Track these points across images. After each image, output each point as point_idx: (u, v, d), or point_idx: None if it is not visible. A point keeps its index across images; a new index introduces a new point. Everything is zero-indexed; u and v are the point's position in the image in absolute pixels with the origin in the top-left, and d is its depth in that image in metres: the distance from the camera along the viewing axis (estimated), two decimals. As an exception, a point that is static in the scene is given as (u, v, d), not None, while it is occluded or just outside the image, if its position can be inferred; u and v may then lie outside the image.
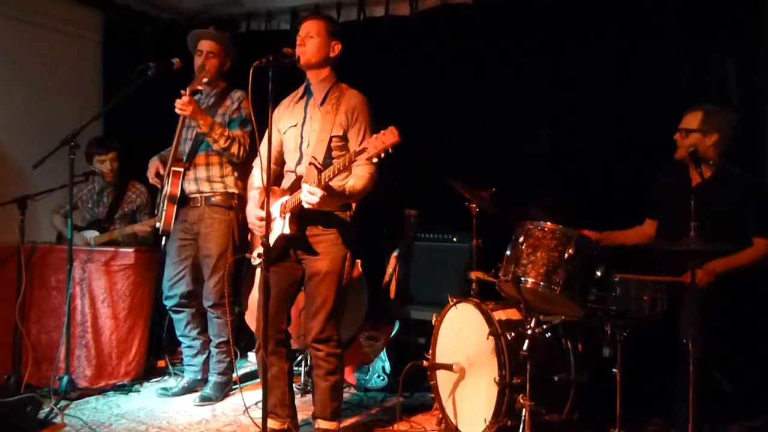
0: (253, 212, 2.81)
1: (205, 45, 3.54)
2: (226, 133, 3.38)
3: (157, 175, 3.66)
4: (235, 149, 3.41)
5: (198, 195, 3.56)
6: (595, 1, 3.83)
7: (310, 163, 2.58)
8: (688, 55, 3.62)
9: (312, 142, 2.73)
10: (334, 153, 2.70)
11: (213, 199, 3.55)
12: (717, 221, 2.75)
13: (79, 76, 4.94)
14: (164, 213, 3.54)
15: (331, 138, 2.70)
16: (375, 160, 2.36)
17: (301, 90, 2.89)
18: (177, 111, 3.31)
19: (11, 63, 4.49)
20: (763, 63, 3.46)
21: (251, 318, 3.73)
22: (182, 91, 3.35)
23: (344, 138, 2.72)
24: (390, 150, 2.32)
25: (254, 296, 3.64)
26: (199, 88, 3.48)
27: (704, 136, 2.96)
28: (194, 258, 3.62)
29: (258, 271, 3.25)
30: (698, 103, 3.06)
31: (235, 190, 3.56)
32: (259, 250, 2.73)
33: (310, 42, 2.74)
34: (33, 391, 3.39)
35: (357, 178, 2.66)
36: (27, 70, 4.58)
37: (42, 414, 3.19)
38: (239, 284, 3.86)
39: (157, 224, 3.63)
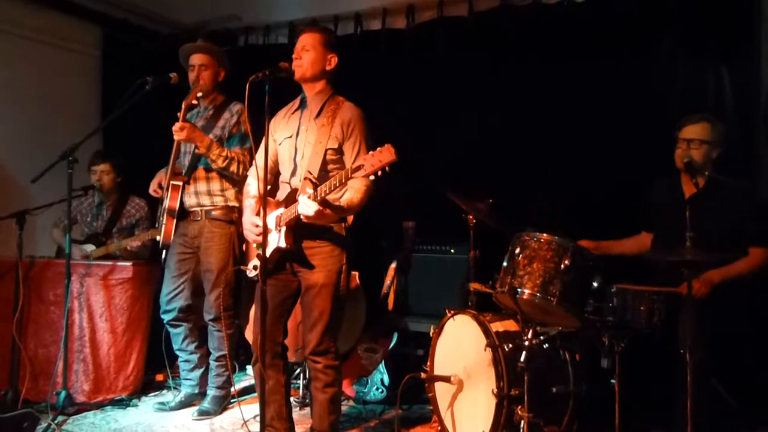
0: (250, 219, 2.82)
1: (195, 59, 3.55)
2: (224, 153, 3.39)
3: (159, 186, 3.67)
4: (234, 168, 3.41)
5: (198, 208, 3.56)
6: (591, 15, 3.86)
7: (305, 178, 2.59)
8: (684, 68, 3.65)
9: (307, 154, 2.74)
10: (329, 166, 2.70)
11: (213, 212, 3.55)
12: (713, 231, 2.75)
13: (78, 91, 4.96)
14: (163, 227, 3.54)
15: (326, 150, 2.70)
16: (372, 177, 2.36)
17: (296, 102, 2.90)
18: (174, 136, 3.34)
19: (10, 78, 4.51)
20: (755, 76, 3.49)
21: (250, 332, 3.72)
22: (178, 113, 3.36)
23: (339, 151, 2.73)
24: (387, 169, 2.32)
25: (253, 311, 3.64)
26: (194, 102, 3.49)
27: (712, 148, 2.98)
28: (194, 272, 3.62)
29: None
30: (694, 113, 3.07)
31: (236, 204, 3.56)
32: (255, 262, 2.73)
33: (305, 55, 2.75)
34: (30, 406, 3.39)
35: (354, 191, 2.66)
36: (26, 84, 4.60)
37: (39, 430, 3.17)
38: (239, 298, 3.86)
39: (157, 238, 3.63)
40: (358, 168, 2.37)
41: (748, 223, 2.91)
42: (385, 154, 2.31)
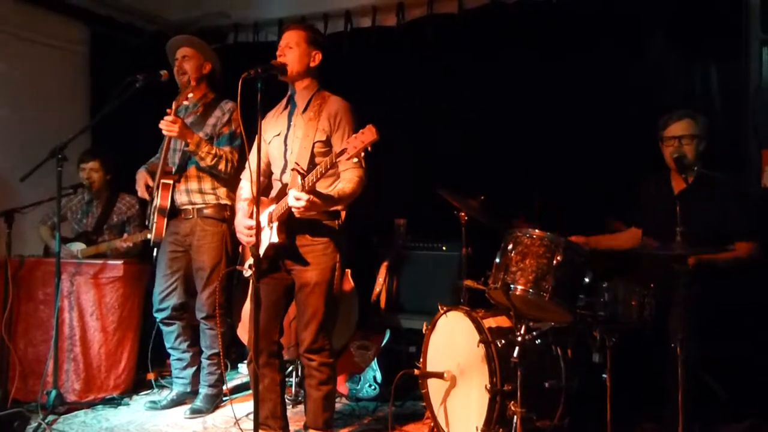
0: (242, 222, 2.82)
1: (179, 52, 3.53)
2: (213, 151, 3.37)
3: (147, 187, 3.64)
4: (222, 166, 3.39)
5: (190, 207, 3.54)
6: (580, 12, 3.88)
7: (293, 169, 2.59)
8: (672, 64, 3.68)
9: (295, 149, 2.75)
10: (318, 159, 2.69)
11: (205, 211, 3.53)
12: (702, 226, 2.78)
13: (66, 88, 4.92)
14: (155, 225, 3.52)
15: (314, 144, 2.71)
16: (355, 160, 2.37)
17: (285, 100, 2.90)
18: (164, 132, 3.30)
19: (-2, 76, 4.48)
20: (743, 71, 3.52)
21: (243, 331, 3.71)
22: (168, 110, 3.33)
23: (327, 143, 2.73)
24: (369, 148, 2.33)
25: (246, 310, 3.62)
26: (185, 103, 3.46)
27: (700, 141, 3.01)
28: (185, 270, 3.60)
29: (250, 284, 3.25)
30: (674, 110, 3.10)
31: (228, 202, 3.54)
32: (251, 261, 2.73)
33: (289, 52, 2.75)
34: (20, 406, 3.37)
35: (345, 181, 2.67)
36: (14, 82, 4.55)
37: (29, 429, 3.16)
38: (231, 296, 3.85)
39: (149, 236, 3.61)
40: (342, 152, 2.38)
41: (734, 217, 2.94)
42: (367, 134, 2.32)
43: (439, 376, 2.97)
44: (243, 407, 3.59)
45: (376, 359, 3.79)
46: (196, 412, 3.52)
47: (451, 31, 4.25)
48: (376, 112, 3.03)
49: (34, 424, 3.21)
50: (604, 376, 2.69)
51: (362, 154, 2.34)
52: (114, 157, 4.25)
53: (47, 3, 4.71)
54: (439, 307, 3.11)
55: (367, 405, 3.70)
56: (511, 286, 2.70)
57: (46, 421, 3.27)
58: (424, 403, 3.16)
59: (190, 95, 3.44)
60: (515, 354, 2.67)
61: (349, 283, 3.76)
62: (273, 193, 2.85)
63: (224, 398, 3.67)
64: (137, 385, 3.98)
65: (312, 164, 2.67)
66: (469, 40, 4.19)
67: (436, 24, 4.32)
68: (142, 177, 3.68)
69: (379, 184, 2.80)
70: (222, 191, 3.55)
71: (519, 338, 2.71)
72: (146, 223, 3.78)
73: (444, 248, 3.94)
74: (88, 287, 3.75)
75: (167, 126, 3.27)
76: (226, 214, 3.54)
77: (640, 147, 3.39)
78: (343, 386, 3.82)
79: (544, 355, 2.90)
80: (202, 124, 3.51)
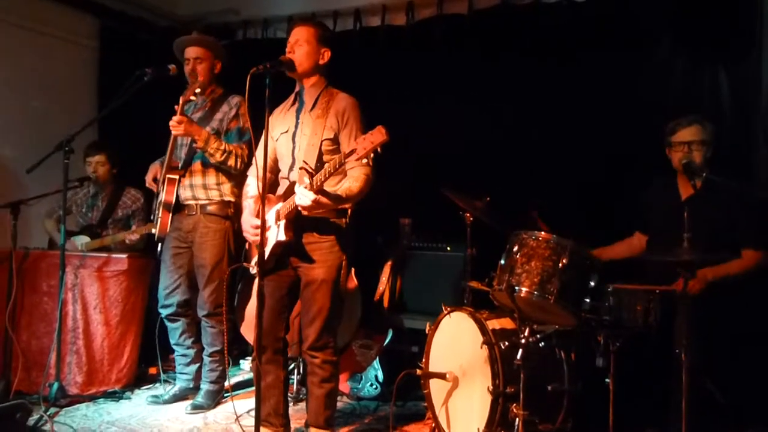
0: (249, 221, 2.82)
1: (190, 52, 3.52)
2: (222, 147, 3.37)
3: (155, 179, 3.65)
4: (232, 162, 3.39)
5: (193, 202, 3.54)
6: (587, 15, 3.87)
7: (301, 168, 2.58)
8: (681, 68, 3.66)
9: (303, 146, 2.74)
10: (326, 157, 2.69)
11: (209, 207, 3.53)
12: (709, 232, 2.76)
13: (75, 81, 4.94)
14: (159, 220, 3.52)
15: (321, 141, 2.70)
16: (365, 160, 2.36)
17: (292, 97, 2.90)
18: (172, 130, 3.31)
19: (6, 68, 4.48)
20: (753, 74, 3.49)
21: (247, 330, 3.70)
22: (176, 106, 3.33)
23: (335, 141, 2.72)
24: (379, 149, 2.31)
25: (251, 308, 3.62)
26: (192, 98, 3.47)
27: (708, 147, 3.00)
28: (189, 266, 3.60)
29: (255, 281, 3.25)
30: (685, 115, 3.08)
31: (231, 198, 3.54)
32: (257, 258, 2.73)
33: (299, 49, 2.75)
34: (22, 397, 3.38)
35: (353, 180, 2.66)
36: (22, 75, 4.57)
37: (31, 421, 3.15)
38: (234, 294, 3.84)
39: (153, 230, 3.61)
40: (351, 152, 2.36)
41: (741, 224, 2.92)
42: (377, 135, 2.30)
43: (442, 376, 2.96)
44: (244, 404, 3.59)
45: (378, 358, 3.78)
46: (198, 408, 3.52)
47: (460, 31, 4.24)
48: (383, 110, 3.04)
49: (36, 416, 3.21)
50: (607, 380, 2.68)
51: (372, 155, 2.33)
52: (120, 151, 4.25)
53: (57, -4, 4.74)
54: (443, 308, 3.09)
55: (368, 404, 3.69)
56: (516, 287, 2.69)
57: (48, 413, 3.28)
58: (425, 404, 3.14)
59: (198, 90, 3.44)
60: (518, 356, 2.66)
61: (352, 282, 3.76)
62: (280, 190, 2.84)
63: (225, 395, 3.67)
64: (139, 379, 3.99)
65: (320, 162, 2.65)
66: (478, 41, 4.18)
67: (446, 24, 4.31)
68: (153, 168, 3.69)
69: (385, 183, 2.79)
70: (226, 187, 3.54)
71: (522, 340, 2.69)
72: (151, 217, 3.79)
73: (448, 248, 3.93)
74: (92, 280, 3.76)
75: (173, 125, 3.28)
76: (229, 212, 3.54)
77: (647, 150, 3.37)
78: (344, 385, 3.81)
79: (547, 358, 2.88)
80: (210, 119, 3.52)
